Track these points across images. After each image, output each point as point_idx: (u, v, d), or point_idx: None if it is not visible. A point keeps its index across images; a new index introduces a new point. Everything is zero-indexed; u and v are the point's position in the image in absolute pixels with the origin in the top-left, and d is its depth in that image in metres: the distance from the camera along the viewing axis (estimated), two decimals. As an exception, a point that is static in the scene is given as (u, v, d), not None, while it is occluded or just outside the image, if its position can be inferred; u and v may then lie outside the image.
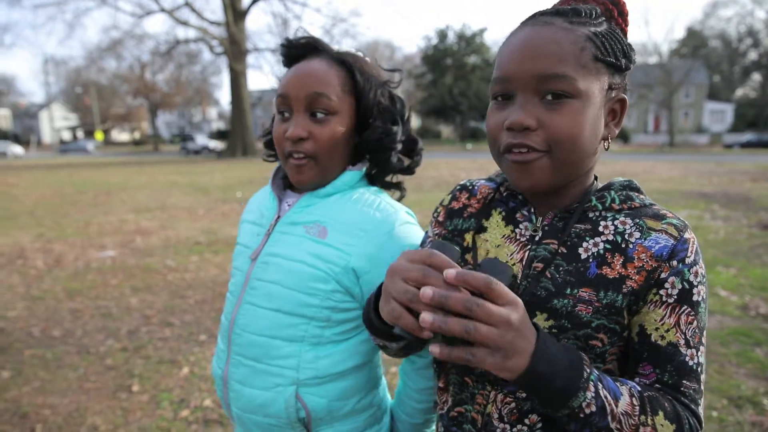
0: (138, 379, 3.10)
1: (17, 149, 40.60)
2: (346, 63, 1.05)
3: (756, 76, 52.75)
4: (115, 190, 13.67)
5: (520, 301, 0.62)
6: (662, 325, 0.74)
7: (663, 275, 0.73)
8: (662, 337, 0.73)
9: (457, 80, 45.90)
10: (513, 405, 0.78)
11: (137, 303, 4.50)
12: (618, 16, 0.77)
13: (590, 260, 0.75)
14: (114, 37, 35.22)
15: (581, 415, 0.65)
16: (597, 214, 0.78)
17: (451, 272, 0.59)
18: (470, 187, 0.93)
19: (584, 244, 0.76)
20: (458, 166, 18.51)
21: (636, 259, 0.74)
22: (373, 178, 1.13)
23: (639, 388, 0.71)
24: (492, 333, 0.58)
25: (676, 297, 0.73)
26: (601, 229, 0.77)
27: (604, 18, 0.75)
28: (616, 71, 0.75)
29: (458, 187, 0.95)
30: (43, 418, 2.71)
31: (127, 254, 6.33)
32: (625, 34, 0.78)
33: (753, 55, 52.21)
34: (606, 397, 0.65)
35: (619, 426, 0.67)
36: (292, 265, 1.01)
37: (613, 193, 0.79)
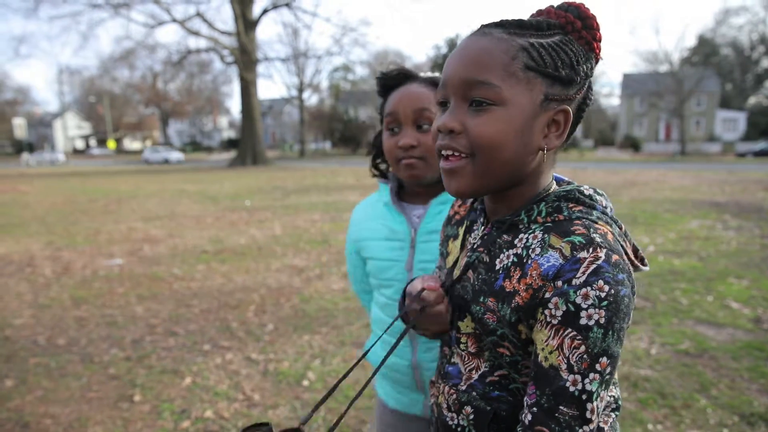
0: (140, 389, 3.09)
1: (60, 156, 42.39)
2: (436, 83, 1.25)
3: (769, 85, 52.26)
4: (125, 198, 13.78)
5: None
6: (546, 346, 0.71)
7: (547, 295, 0.71)
8: (546, 359, 0.71)
9: (466, 89, 45.92)
10: (455, 396, 0.86)
11: (143, 311, 4.50)
12: (583, 29, 0.77)
13: (500, 272, 0.78)
14: (127, 47, 35.80)
15: None
16: (524, 226, 0.79)
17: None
18: None
19: (501, 256, 0.80)
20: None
21: (528, 276, 0.74)
22: None
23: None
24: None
25: (560, 319, 0.69)
26: (516, 242, 0.79)
27: (560, 31, 0.76)
28: (556, 82, 0.75)
29: None
30: (44, 428, 2.70)
31: (134, 262, 6.35)
32: (592, 47, 0.77)
33: (766, 63, 51.78)
34: None
35: None
36: None
37: (542, 204, 0.78)
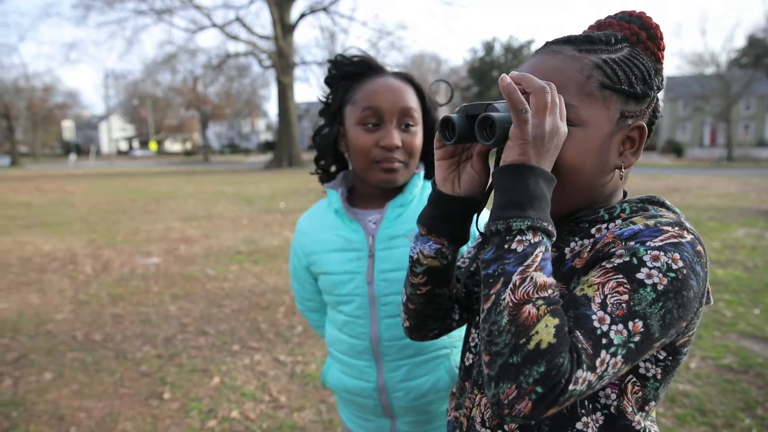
0: (170, 387, 3.14)
1: (72, 157, 43.58)
2: (414, 83, 1.19)
3: (824, 87, 49.71)
4: (164, 198, 14.16)
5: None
6: (587, 280, 0.65)
7: (614, 249, 0.66)
8: (581, 290, 0.64)
9: (503, 92, 45.37)
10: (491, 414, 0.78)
11: (176, 310, 4.59)
12: (648, 40, 0.75)
13: (568, 256, 0.74)
14: (169, 51, 36.76)
15: (505, 246, 0.62)
16: (603, 225, 0.75)
17: (505, 77, 0.66)
18: None
19: (571, 245, 0.75)
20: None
21: (599, 242, 0.69)
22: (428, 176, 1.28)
23: (559, 299, 0.62)
24: (542, 94, 0.65)
25: (615, 264, 0.63)
26: (593, 231, 0.74)
27: (627, 43, 0.74)
28: (631, 98, 0.72)
29: None
30: (77, 421, 2.78)
31: (170, 261, 6.50)
32: (657, 58, 0.75)
33: (821, 65, 49.27)
34: (536, 255, 0.61)
35: (516, 284, 0.60)
36: None
37: (626, 205, 0.75)
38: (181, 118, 63.09)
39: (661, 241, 0.64)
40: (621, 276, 0.62)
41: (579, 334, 0.60)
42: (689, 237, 0.65)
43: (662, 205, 0.75)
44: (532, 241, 0.62)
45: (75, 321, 4.34)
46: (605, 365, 0.60)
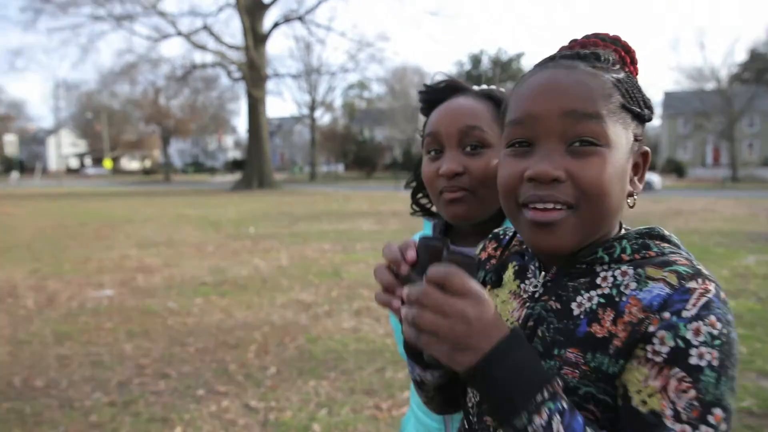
0: (124, 441, 3.01)
1: (14, 175, 42.68)
2: (493, 97, 1.13)
3: (829, 105, 51.64)
4: (119, 222, 13.93)
5: (484, 296, 0.63)
6: (645, 388, 0.64)
7: (651, 328, 0.65)
8: (644, 403, 0.64)
9: (492, 108, 46.15)
10: None
11: (132, 350, 4.44)
12: (630, 65, 0.78)
13: (581, 317, 0.72)
14: (128, 60, 36.65)
15: None
16: (604, 267, 0.74)
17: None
18: (501, 237, 0.95)
19: (578, 299, 0.74)
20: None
21: (626, 314, 0.68)
22: None
23: None
24: (437, 323, 0.62)
25: (665, 356, 0.63)
26: (599, 281, 0.73)
27: (619, 65, 0.77)
28: (639, 122, 0.75)
29: (491, 236, 0.97)
30: (14, 484, 2.63)
31: (125, 294, 6.33)
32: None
33: (825, 81, 51.26)
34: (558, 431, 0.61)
35: None
36: None
37: (625, 242, 0.75)
38: (140, 133, 62.63)
39: (693, 306, 0.65)
40: (677, 369, 0.63)
41: None
42: (712, 287, 0.66)
43: (662, 238, 0.76)
44: (544, 425, 0.62)
45: (12, 364, 4.16)
46: None
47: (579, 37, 0.81)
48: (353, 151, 49.28)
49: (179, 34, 31.88)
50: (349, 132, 51.20)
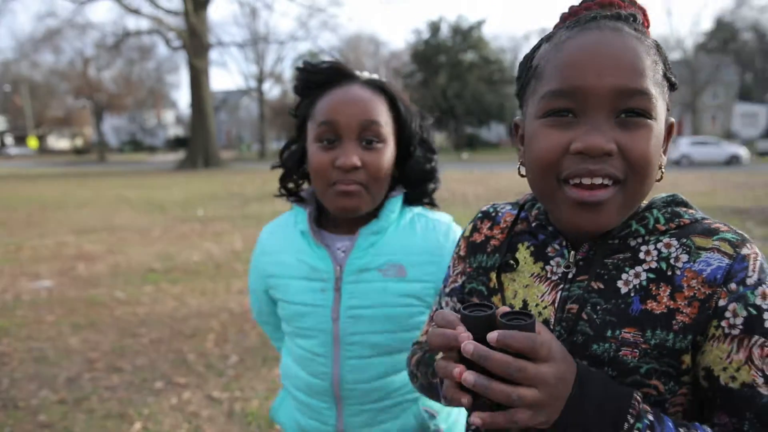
0: (79, 439, 2.98)
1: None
2: (386, 91, 1.17)
3: (792, 75, 54.08)
4: (52, 207, 13.46)
5: (557, 348, 0.65)
6: (730, 363, 0.70)
7: (721, 303, 0.70)
8: (733, 378, 0.69)
9: (451, 80, 46.28)
10: None
11: (78, 344, 4.36)
12: (647, 28, 0.79)
13: (632, 294, 0.74)
14: (50, 26, 35.10)
15: None
16: (640, 240, 0.77)
17: (493, 334, 0.62)
18: (493, 214, 0.93)
19: (624, 276, 0.75)
20: (453, 178, 18.51)
21: (686, 288, 0.72)
22: (410, 200, 1.28)
23: None
24: (536, 396, 0.62)
25: (742, 327, 0.69)
26: (642, 256, 0.76)
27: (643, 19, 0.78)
28: (670, 90, 0.77)
29: (479, 215, 0.95)
30: (-39, 490, 2.58)
31: (66, 284, 6.18)
32: None
33: (789, 51, 53.54)
34: None
35: None
36: (389, 312, 1.17)
37: (656, 212, 0.78)
38: (68, 108, 60.21)
39: (754, 270, 0.70)
40: (756, 336, 0.68)
41: None
42: (756, 248, 0.73)
43: (686, 205, 0.80)
44: None
45: (-53, 362, 4.03)
46: None
47: None
48: (306, 126, 48.68)
49: (110, -3, 30.66)
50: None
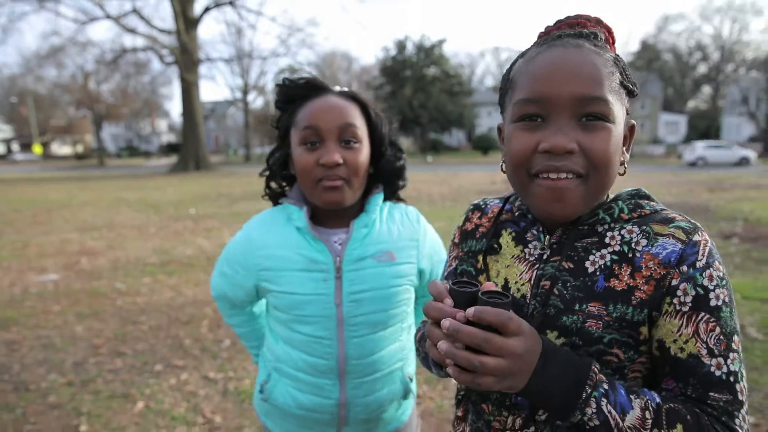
0: (86, 418, 2.89)
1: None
2: (358, 99, 1.21)
3: (706, 89, 55.54)
4: (56, 207, 13.06)
5: (525, 326, 0.67)
6: (680, 336, 0.72)
7: (674, 282, 0.72)
8: (681, 349, 0.72)
9: (416, 92, 46.29)
10: (533, 429, 0.79)
11: (83, 331, 4.24)
12: (612, 45, 0.81)
13: (597, 273, 0.76)
14: (54, 44, 33.90)
15: (585, 427, 0.69)
16: (606, 226, 0.78)
17: (470, 311, 0.65)
18: (482, 206, 0.96)
19: (591, 258, 0.77)
20: (419, 179, 18.57)
21: (644, 268, 0.73)
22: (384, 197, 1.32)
23: (658, 400, 0.70)
24: (500, 365, 0.64)
25: (690, 305, 0.71)
26: (607, 240, 0.77)
27: (608, 45, 0.80)
28: (629, 97, 0.79)
29: (471, 207, 0.98)
30: (-24, 467, 2.48)
31: (71, 277, 6.00)
32: None
33: (702, 69, 54.99)
34: (610, 412, 0.67)
35: None
36: (385, 293, 1.21)
37: (621, 203, 0.80)
38: (70, 118, 58.40)
39: (703, 255, 0.72)
40: (702, 313, 0.71)
41: (714, 393, 0.70)
42: (706, 235, 0.74)
43: (648, 198, 0.82)
44: (595, 411, 0.67)
45: (-40, 351, 3.87)
46: (744, 390, 0.71)
47: (562, 17, 0.82)
48: (287, 133, 48.08)
49: (108, 17, 29.80)
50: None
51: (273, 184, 1.31)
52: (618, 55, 0.78)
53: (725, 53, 49.31)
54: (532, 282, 0.80)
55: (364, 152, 1.19)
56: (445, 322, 0.64)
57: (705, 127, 49.71)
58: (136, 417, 2.89)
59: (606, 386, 0.68)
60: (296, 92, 1.19)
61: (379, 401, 1.27)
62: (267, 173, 1.30)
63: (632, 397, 0.68)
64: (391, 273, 1.21)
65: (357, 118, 1.17)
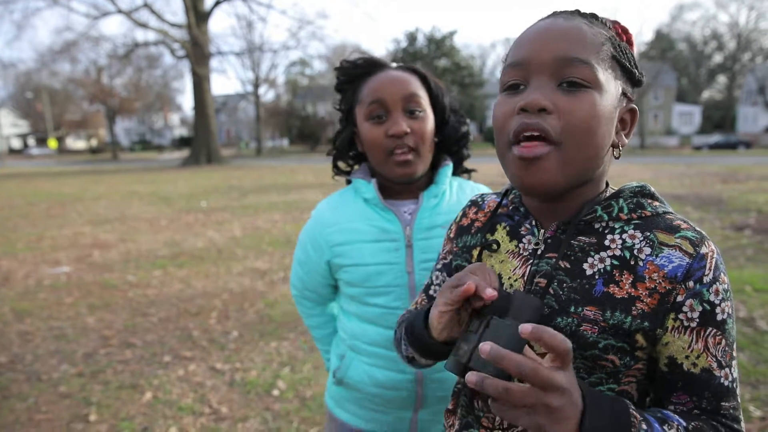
0: (96, 407, 2.93)
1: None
2: (417, 71, 1.22)
3: (721, 79, 54.76)
4: (70, 200, 13.22)
5: (570, 386, 0.60)
6: (691, 352, 0.71)
7: (679, 298, 0.69)
8: (694, 365, 0.71)
9: (427, 84, 46.11)
10: (520, 429, 0.75)
11: (95, 323, 4.29)
12: (627, 42, 0.78)
13: (596, 277, 0.72)
14: (67, 39, 34.18)
15: None
16: (603, 225, 0.75)
17: (527, 327, 0.58)
18: (480, 202, 0.93)
19: (589, 260, 0.73)
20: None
21: (647, 279, 0.70)
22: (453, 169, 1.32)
23: (684, 423, 0.68)
24: (529, 396, 0.57)
25: (698, 320, 0.70)
26: (607, 242, 0.73)
27: (616, 33, 0.77)
28: (629, 80, 0.76)
29: (469, 203, 0.96)
30: (-12, 455, 2.53)
31: (83, 270, 6.08)
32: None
33: (718, 58, 54.20)
34: None
35: None
36: None
37: (621, 201, 0.75)
38: (84, 112, 58.96)
39: (710, 269, 0.70)
40: (710, 328, 0.70)
41: (724, 403, 0.71)
42: (713, 245, 0.72)
43: (652, 196, 0.77)
44: None
45: (-26, 342, 3.95)
46: (739, 391, 0.74)
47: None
48: (297, 126, 48.23)
49: (119, 11, 29.98)
50: (292, 108, 49.96)
51: (341, 164, 1.32)
52: (616, 38, 0.75)
53: (742, 42, 48.50)
54: (525, 278, 0.77)
55: (429, 121, 1.20)
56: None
57: (720, 118, 49.01)
58: (144, 407, 2.93)
59: (645, 426, 0.63)
60: (356, 71, 1.21)
61: (452, 379, 1.20)
62: (334, 153, 1.31)
63: (665, 428, 0.65)
64: None
65: (419, 88, 1.19)
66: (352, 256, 1.21)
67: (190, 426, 2.73)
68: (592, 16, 0.75)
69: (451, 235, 0.95)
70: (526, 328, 0.57)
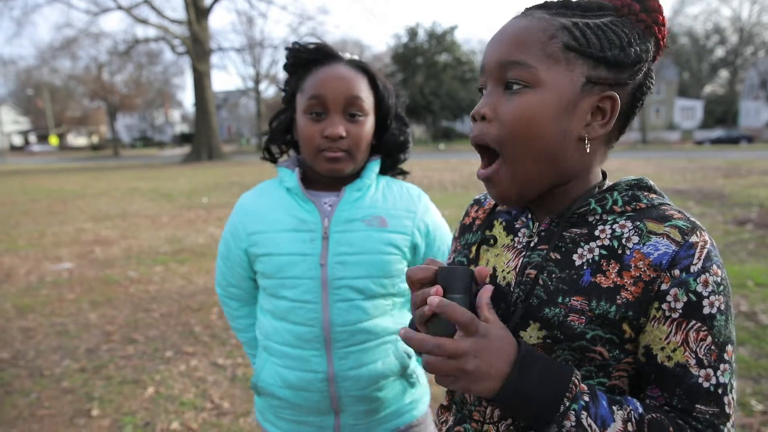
0: (98, 402, 2.94)
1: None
2: (367, 70, 1.19)
3: (723, 73, 54.57)
4: (71, 197, 13.24)
5: (488, 326, 0.66)
6: (668, 344, 0.67)
7: (663, 287, 0.67)
8: (669, 358, 0.67)
9: (428, 79, 45.97)
10: (510, 421, 0.75)
11: (97, 318, 4.30)
12: (642, 12, 0.72)
13: (585, 267, 0.71)
14: (67, 35, 34.19)
15: None
16: (597, 217, 0.74)
17: (434, 301, 0.65)
18: (482, 200, 0.95)
19: (579, 250, 0.73)
20: (431, 167, 18.50)
21: (633, 268, 0.68)
22: (385, 169, 1.31)
23: (641, 411, 0.66)
24: (446, 365, 0.64)
25: (681, 311, 0.66)
26: (597, 233, 0.73)
27: (612, 13, 0.72)
28: (602, 64, 0.70)
29: (472, 203, 0.97)
30: (-9, 450, 2.54)
31: (85, 266, 6.09)
32: (652, 31, 0.73)
33: (720, 52, 54.02)
34: (590, 425, 0.64)
35: None
36: (373, 258, 1.17)
37: (616, 194, 0.74)
38: (84, 109, 58.99)
39: (698, 259, 0.67)
40: (693, 321, 0.66)
41: (700, 406, 0.65)
42: (707, 237, 0.69)
43: (650, 189, 0.75)
44: (574, 425, 0.64)
45: (-23, 338, 3.96)
46: (732, 403, 0.67)
47: None
48: (299, 122, 48.09)
49: (120, 8, 29.93)
50: (294, 104, 49.75)
51: (273, 148, 1.29)
52: (584, 22, 0.70)
53: (744, 36, 48.28)
54: (517, 270, 0.77)
55: (368, 125, 1.18)
56: (434, 300, 0.66)
57: (722, 113, 48.86)
58: (146, 402, 2.94)
59: (587, 398, 0.64)
60: (305, 57, 1.17)
61: (371, 375, 1.19)
62: (268, 136, 1.28)
63: (615, 408, 0.65)
64: (380, 238, 1.17)
65: (364, 90, 1.16)
66: (267, 245, 1.18)
67: (192, 421, 2.74)
68: (561, 5, 0.73)
69: (456, 235, 0.97)
70: (432, 301, 0.65)
